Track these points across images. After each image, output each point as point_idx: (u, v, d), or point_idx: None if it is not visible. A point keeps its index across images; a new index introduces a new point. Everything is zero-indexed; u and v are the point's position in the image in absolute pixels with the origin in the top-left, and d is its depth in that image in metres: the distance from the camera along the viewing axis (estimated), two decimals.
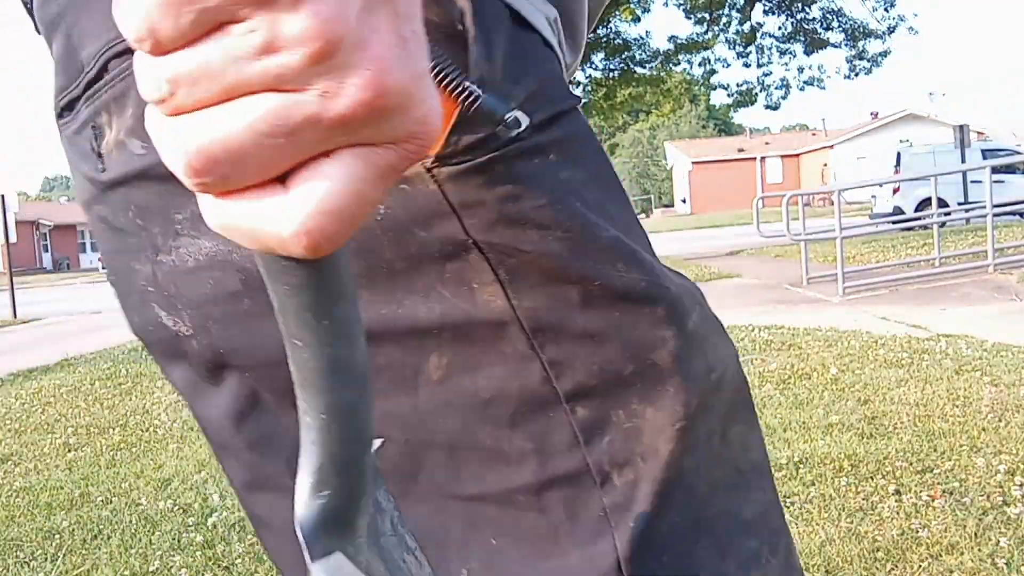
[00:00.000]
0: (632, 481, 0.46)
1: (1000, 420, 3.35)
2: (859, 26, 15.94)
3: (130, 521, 3.01)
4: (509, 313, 0.45)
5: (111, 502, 3.26)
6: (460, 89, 0.42)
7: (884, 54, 16.43)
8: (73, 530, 2.97)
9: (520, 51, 0.46)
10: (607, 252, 0.46)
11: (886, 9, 15.94)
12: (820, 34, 16.08)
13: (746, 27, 16.27)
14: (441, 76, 0.41)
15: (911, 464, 2.95)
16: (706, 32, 16.18)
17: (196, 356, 0.50)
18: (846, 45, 16.15)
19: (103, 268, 0.57)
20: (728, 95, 17.38)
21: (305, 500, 0.35)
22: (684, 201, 51.26)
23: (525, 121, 0.44)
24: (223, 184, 0.26)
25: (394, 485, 0.47)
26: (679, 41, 16.29)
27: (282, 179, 0.26)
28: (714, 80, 17.58)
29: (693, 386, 0.47)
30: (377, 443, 0.37)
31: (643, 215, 56.87)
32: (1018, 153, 16.42)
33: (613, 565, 0.45)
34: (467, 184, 0.44)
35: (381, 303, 0.46)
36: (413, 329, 0.46)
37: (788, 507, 2.64)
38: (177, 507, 3.16)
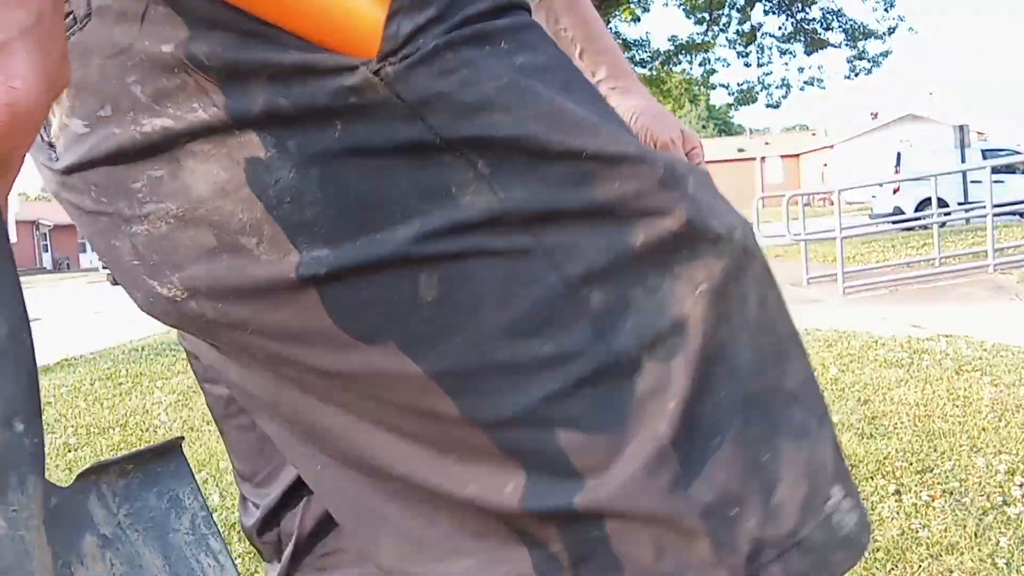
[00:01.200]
0: (665, 359, 0.43)
1: (1000, 420, 3.35)
2: (859, 26, 15.93)
3: None
4: (499, 208, 0.43)
5: None
6: None
7: (884, 54, 16.43)
8: None
9: None
10: (587, 125, 0.44)
11: (886, 9, 15.94)
12: (820, 34, 16.07)
13: (746, 27, 16.27)
14: None
15: (911, 464, 2.95)
16: (706, 32, 16.18)
17: (199, 317, 0.49)
18: (846, 45, 16.14)
19: (103, 268, 0.56)
20: (728, 94, 17.38)
21: None
22: None
23: None
24: None
25: (416, 429, 0.44)
26: (679, 41, 16.29)
27: None
28: (714, 80, 17.59)
29: (710, 248, 0.45)
30: (20, 427, 0.36)
31: None
32: (1018, 153, 16.42)
33: (655, 452, 0.42)
34: (419, 78, 0.42)
35: (355, 234, 0.44)
36: (394, 254, 0.43)
37: None
38: None
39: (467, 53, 0.43)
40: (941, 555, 2.26)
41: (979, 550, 2.26)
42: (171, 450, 0.42)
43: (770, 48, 16.66)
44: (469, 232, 0.43)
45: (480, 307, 0.43)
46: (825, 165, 44.35)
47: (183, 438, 0.42)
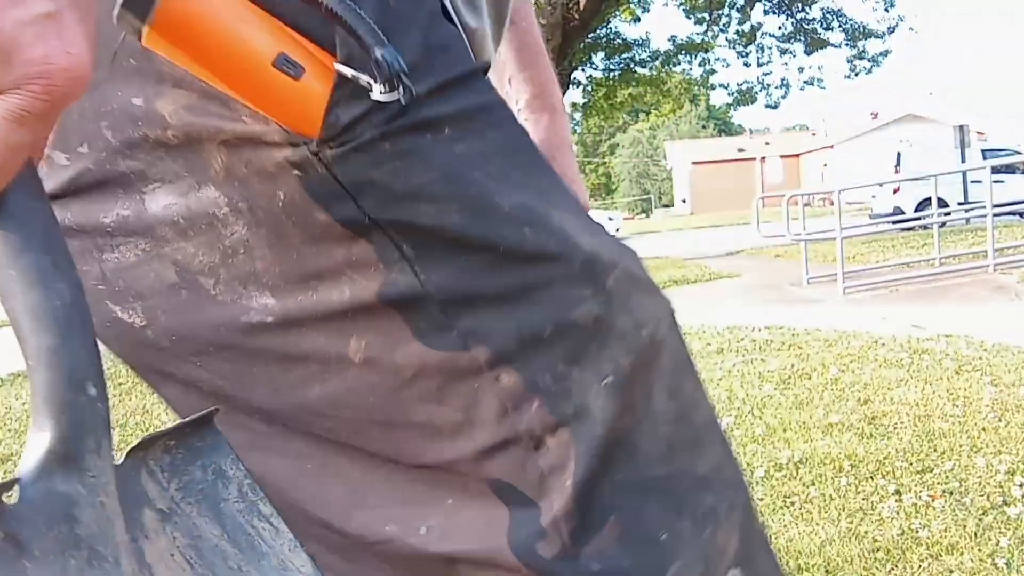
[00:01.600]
0: (566, 442, 0.46)
1: (1000, 420, 3.35)
2: (859, 26, 15.93)
3: None
4: (418, 289, 0.46)
5: None
6: (367, 38, 0.41)
7: (884, 54, 16.43)
8: None
9: (401, 19, 0.46)
10: (511, 218, 0.46)
11: (886, 9, 15.94)
12: (820, 34, 16.07)
13: (746, 27, 16.27)
14: (350, 23, 0.41)
15: (911, 464, 2.95)
16: (706, 32, 16.18)
17: (153, 345, 0.52)
18: (846, 45, 16.14)
19: None
20: (728, 94, 17.39)
21: (29, 436, 0.37)
22: (684, 201, 51.22)
23: (406, 85, 0.43)
24: None
25: (352, 455, 0.49)
26: (679, 41, 16.29)
27: None
28: (714, 80, 17.61)
29: (619, 344, 0.47)
30: (92, 391, 0.37)
31: (643, 215, 56.86)
32: (1018, 153, 16.41)
33: (549, 523, 0.46)
34: (355, 164, 0.45)
35: (297, 291, 0.47)
36: (329, 314, 0.47)
37: (788, 507, 2.64)
38: None
39: (403, 144, 0.45)
40: (941, 555, 2.26)
41: (979, 550, 2.26)
42: (206, 423, 0.43)
43: (770, 48, 16.67)
44: (393, 307, 0.46)
45: (400, 374, 0.47)
46: (825, 165, 44.35)
47: (217, 409, 0.44)
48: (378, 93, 0.42)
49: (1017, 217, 14.11)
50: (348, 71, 0.42)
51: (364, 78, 0.42)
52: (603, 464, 0.46)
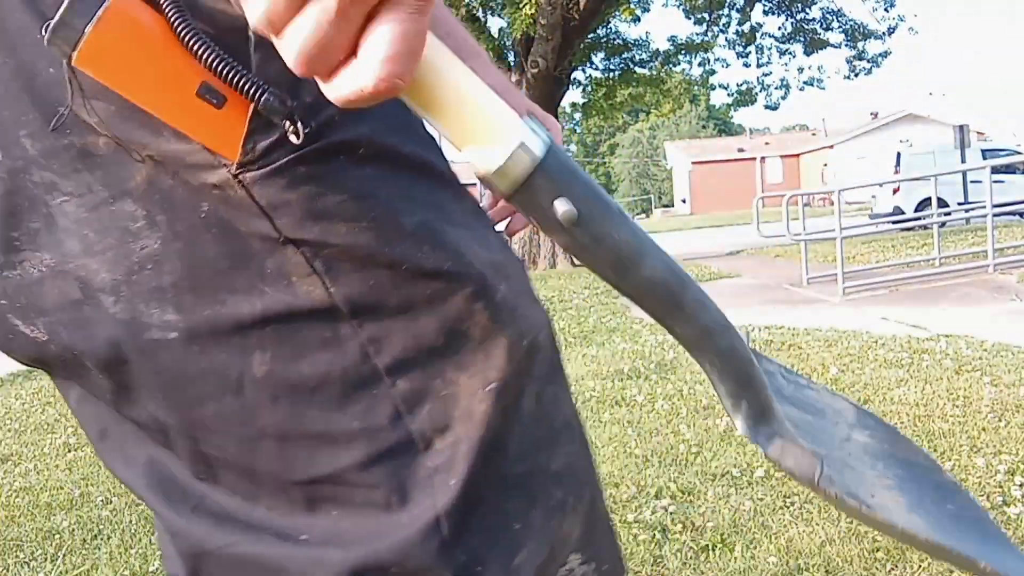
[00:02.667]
0: (453, 443, 0.50)
1: (1000, 420, 3.35)
2: (859, 26, 15.93)
3: (130, 521, 3.01)
4: (328, 300, 0.49)
5: (111, 502, 3.25)
6: (249, 88, 0.44)
7: (884, 54, 16.43)
8: (73, 530, 2.97)
9: None
10: (412, 238, 0.50)
11: (886, 9, 15.93)
12: (820, 34, 16.06)
13: (746, 27, 16.27)
14: (232, 77, 0.43)
15: None
16: (706, 32, 16.17)
17: (55, 359, 0.54)
18: (846, 45, 16.13)
19: None
20: (728, 95, 17.38)
21: (738, 418, 0.50)
22: (684, 201, 51.23)
23: (299, 128, 0.46)
24: (325, 68, 0.38)
25: (234, 478, 0.51)
26: (679, 41, 16.29)
27: (355, 51, 0.37)
28: (714, 80, 17.59)
29: (503, 353, 0.52)
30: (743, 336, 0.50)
31: (643, 215, 56.84)
32: (1018, 153, 16.42)
33: (432, 520, 0.49)
34: (271, 186, 0.47)
35: (206, 304, 0.49)
36: (237, 327, 0.49)
37: (788, 507, 2.64)
38: None
39: (317, 167, 0.48)
40: None
41: None
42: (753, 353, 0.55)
43: (769, 48, 16.66)
44: (302, 318, 0.49)
45: (302, 385, 0.49)
46: (825, 165, 44.33)
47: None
48: (282, 130, 0.46)
49: (1017, 217, 14.11)
50: (264, 89, 0.45)
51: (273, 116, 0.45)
52: (482, 464, 0.51)
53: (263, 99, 0.44)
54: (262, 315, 0.49)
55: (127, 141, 0.47)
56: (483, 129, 0.42)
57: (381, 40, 0.36)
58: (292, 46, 0.37)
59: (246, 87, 0.44)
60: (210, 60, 0.43)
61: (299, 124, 0.46)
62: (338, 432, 0.50)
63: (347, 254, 0.49)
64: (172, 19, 0.43)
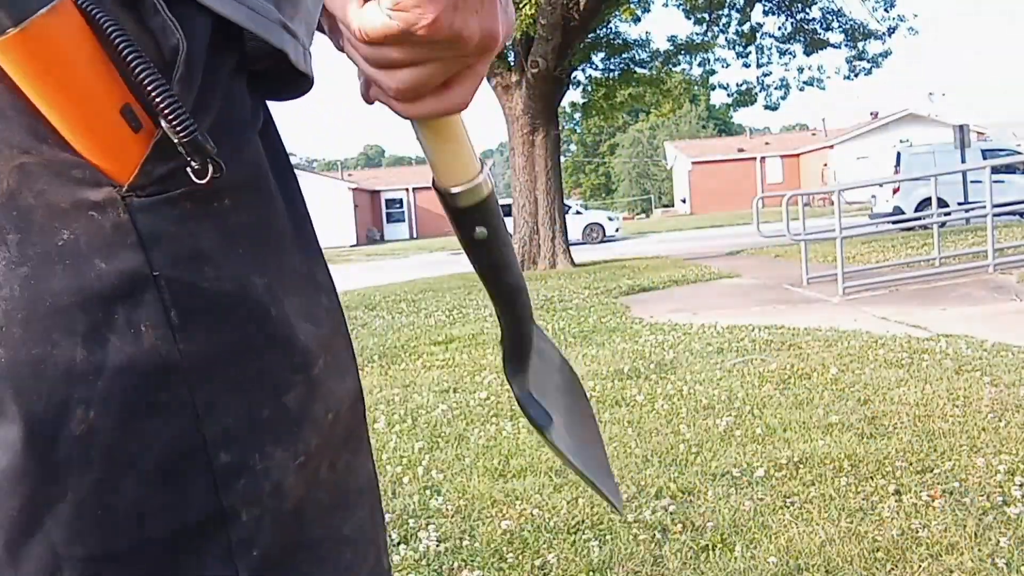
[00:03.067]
0: (258, 516, 0.49)
1: (1000, 420, 3.36)
2: (859, 26, 15.92)
3: None
4: (174, 357, 0.45)
5: None
6: (180, 124, 0.43)
7: (884, 54, 16.43)
8: None
9: (210, 83, 0.47)
10: (260, 304, 0.49)
11: (886, 9, 15.93)
12: (820, 34, 16.06)
13: (746, 27, 16.26)
14: (168, 109, 0.42)
15: (911, 464, 2.95)
16: (706, 32, 16.17)
17: None
18: (846, 45, 16.13)
19: None
20: (728, 95, 17.37)
21: (508, 366, 0.71)
22: (684, 201, 51.21)
23: (209, 170, 0.45)
24: (414, 97, 0.54)
25: (9, 548, 0.45)
26: (679, 41, 16.29)
27: (446, 84, 0.54)
28: (714, 80, 17.58)
29: (312, 427, 0.52)
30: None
31: (643, 215, 56.83)
32: (1018, 153, 16.42)
33: None
34: (156, 216, 0.45)
35: (34, 343, 0.43)
36: (66, 375, 0.43)
37: (788, 507, 2.64)
38: None
39: (203, 207, 0.47)
40: (941, 555, 2.26)
41: (979, 550, 2.26)
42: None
43: (769, 48, 16.66)
44: (140, 377, 0.45)
45: (122, 452, 0.44)
46: (825, 165, 44.31)
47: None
48: (182, 162, 0.44)
49: (1017, 217, 14.11)
50: (193, 128, 0.44)
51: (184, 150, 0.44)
52: (280, 532, 0.50)
53: (192, 136, 0.43)
54: (96, 367, 0.44)
55: (3, 141, 0.43)
56: (466, 161, 0.61)
57: (465, 80, 0.55)
58: (399, 77, 0.52)
59: (177, 122, 0.43)
60: (153, 89, 0.42)
61: (210, 166, 0.44)
62: (149, 507, 0.46)
63: (210, 305, 0.46)
64: (118, 42, 0.42)
